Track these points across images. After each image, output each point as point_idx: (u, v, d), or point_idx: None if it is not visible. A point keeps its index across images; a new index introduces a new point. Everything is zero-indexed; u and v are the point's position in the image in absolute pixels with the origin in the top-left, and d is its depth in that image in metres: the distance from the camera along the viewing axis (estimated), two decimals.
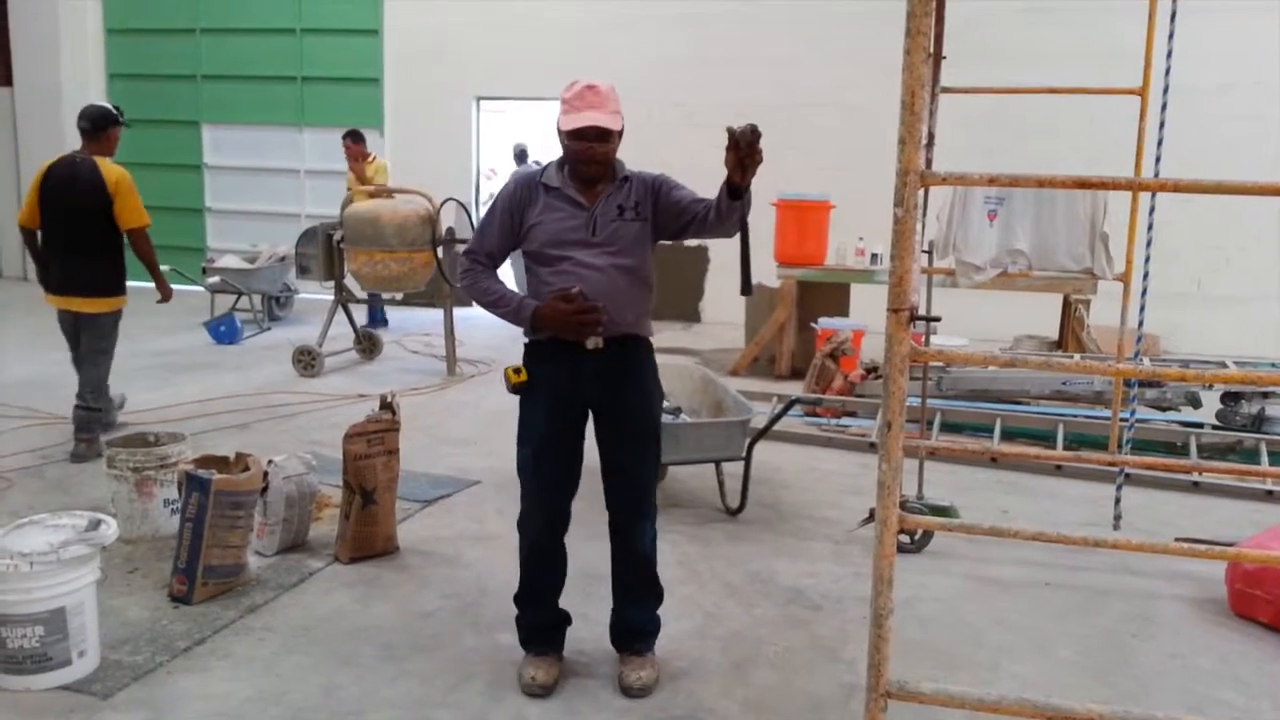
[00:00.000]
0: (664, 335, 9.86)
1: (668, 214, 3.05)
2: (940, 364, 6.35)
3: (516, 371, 3.04)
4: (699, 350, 9.00)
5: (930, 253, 5.04)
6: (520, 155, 11.49)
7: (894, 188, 2.26)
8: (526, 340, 3.09)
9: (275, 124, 12.09)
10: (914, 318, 2.32)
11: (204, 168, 12.46)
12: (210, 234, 12.48)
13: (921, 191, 2.32)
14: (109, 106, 5.73)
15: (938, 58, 3.64)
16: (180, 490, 3.62)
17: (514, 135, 11.91)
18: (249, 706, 2.92)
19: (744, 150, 2.69)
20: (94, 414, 5.32)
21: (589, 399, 3.05)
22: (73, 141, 12.40)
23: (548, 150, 10.53)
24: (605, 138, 2.94)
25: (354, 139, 9.35)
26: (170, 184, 12.54)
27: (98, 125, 5.53)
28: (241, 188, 12.37)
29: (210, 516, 3.50)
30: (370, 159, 9.39)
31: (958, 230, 6.25)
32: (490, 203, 3.16)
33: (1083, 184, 2.29)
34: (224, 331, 8.80)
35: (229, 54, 12.19)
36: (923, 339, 3.93)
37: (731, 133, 2.69)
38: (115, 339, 5.52)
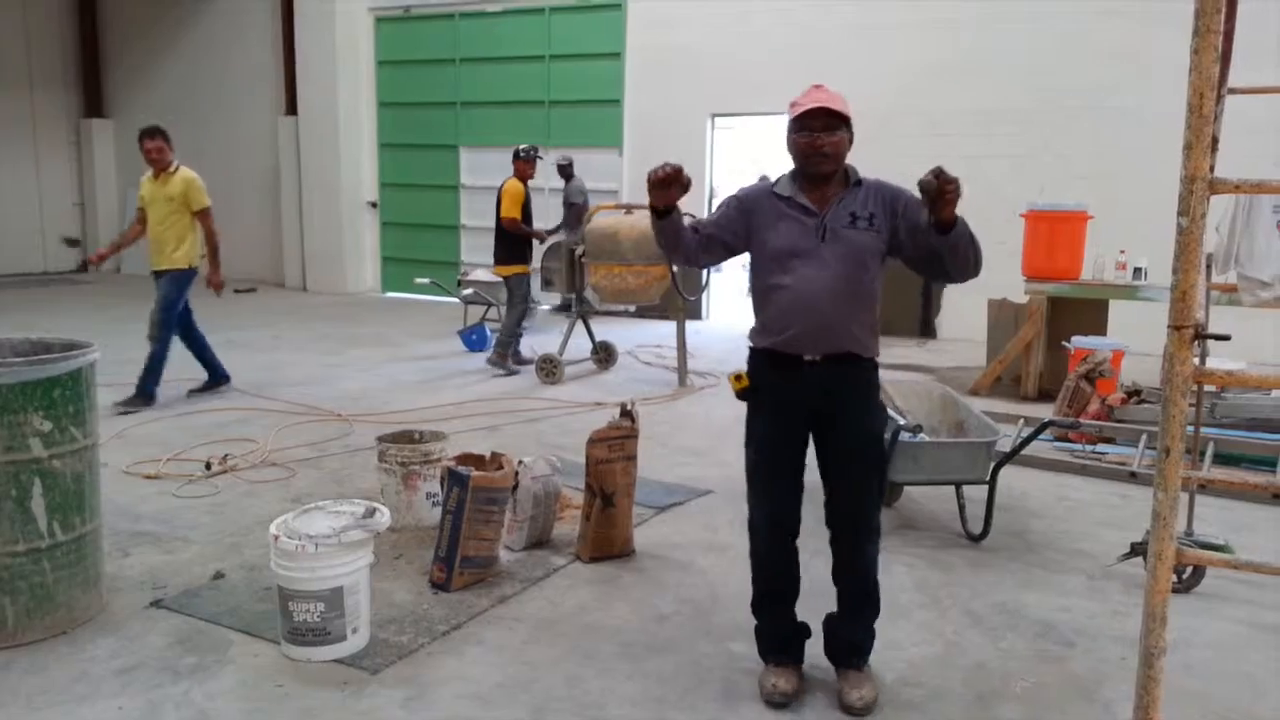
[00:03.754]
0: (896, 351, 9.58)
1: (910, 235, 2.94)
2: (1214, 389, 5.79)
3: (738, 378, 3.09)
4: (935, 368, 8.69)
5: (1209, 267, 4.62)
6: (565, 169, 11.31)
7: (1177, 196, 2.11)
8: (750, 347, 3.12)
9: None
10: (1198, 336, 2.14)
11: (460, 188, 13.38)
12: (464, 250, 13.37)
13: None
14: (527, 147, 8.51)
15: (1227, 56, 3.35)
16: (442, 485, 3.91)
17: (747, 150, 11.99)
18: (500, 692, 3.10)
19: (933, 196, 2.71)
20: (505, 342, 8.34)
21: (811, 410, 3.03)
22: (347, 162, 13.69)
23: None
24: (832, 128, 2.90)
25: (159, 136, 6.81)
26: (431, 203, 13.59)
27: (514, 158, 8.46)
28: (492, 206, 13.15)
29: (468, 510, 3.75)
30: (173, 168, 6.83)
31: (1241, 242, 5.68)
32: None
33: None
34: (475, 340, 9.41)
35: (484, 81, 13.05)
36: (1200, 360, 3.60)
37: (920, 185, 2.73)
38: (519, 294, 8.39)
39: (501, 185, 8.46)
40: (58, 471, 3.38)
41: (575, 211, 11.09)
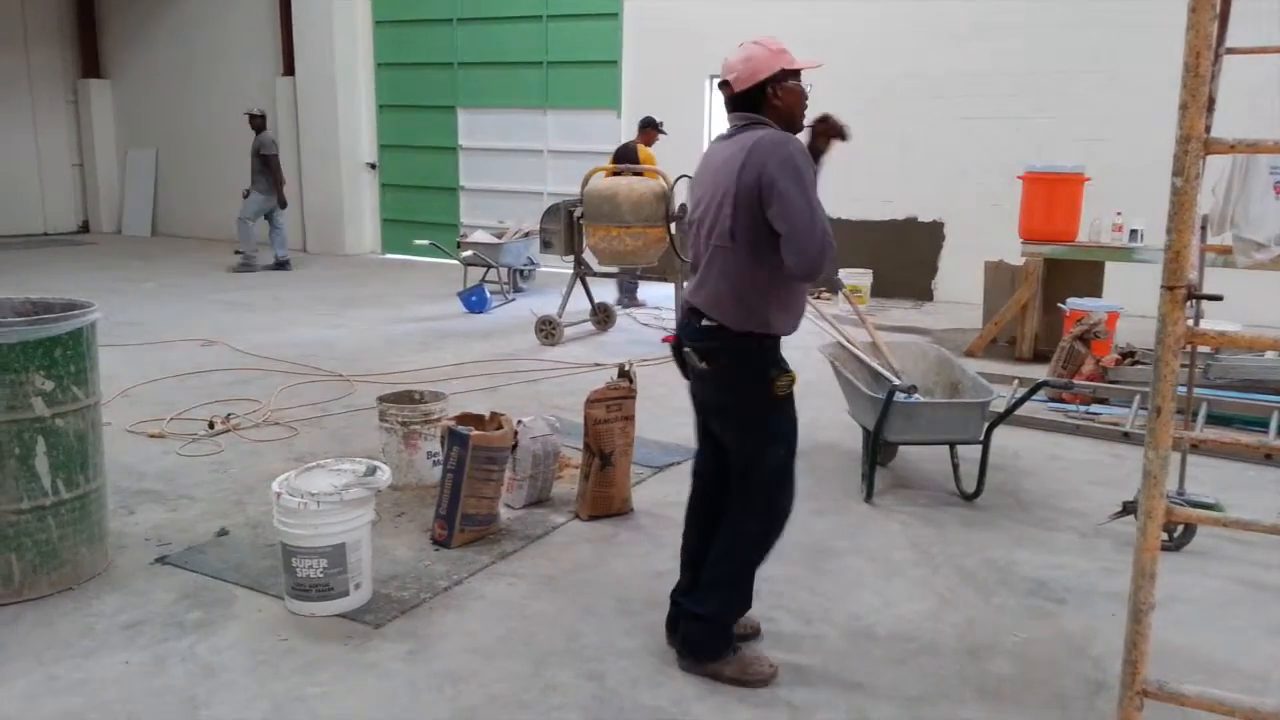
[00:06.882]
0: (893, 313, 9.60)
1: None
2: (1208, 350, 5.82)
3: (787, 372, 2.86)
4: (931, 329, 8.70)
5: (1205, 228, 4.63)
6: (257, 120, 11.92)
7: (1172, 156, 2.12)
8: (771, 335, 2.87)
9: (522, 107, 12.71)
10: (1191, 296, 2.17)
11: (459, 149, 13.29)
12: (463, 211, 13.32)
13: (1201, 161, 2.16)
14: (654, 118, 9.50)
15: (1225, 15, 3.34)
16: (442, 444, 3.95)
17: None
18: (501, 645, 3.16)
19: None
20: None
21: None
22: (345, 123, 13.62)
23: None
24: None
25: None
26: (429, 165, 13.51)
27: (641, 127, 9.49)
28: (491, 168, 13.11)
29: (469, 469, 3.79)
30: None
31: (1237, 204, 5.68)
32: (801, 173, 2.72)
33: None
34: (474, 301, 9.42)
35: (482, 42, 12.89)
36: (1194, 321, 3.63)
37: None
38: None
39: (630, 151, 9.07)
40: (60, 430, 3.41)
41: (269, 162, 11.76)
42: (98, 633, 3.19)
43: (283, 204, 12.13)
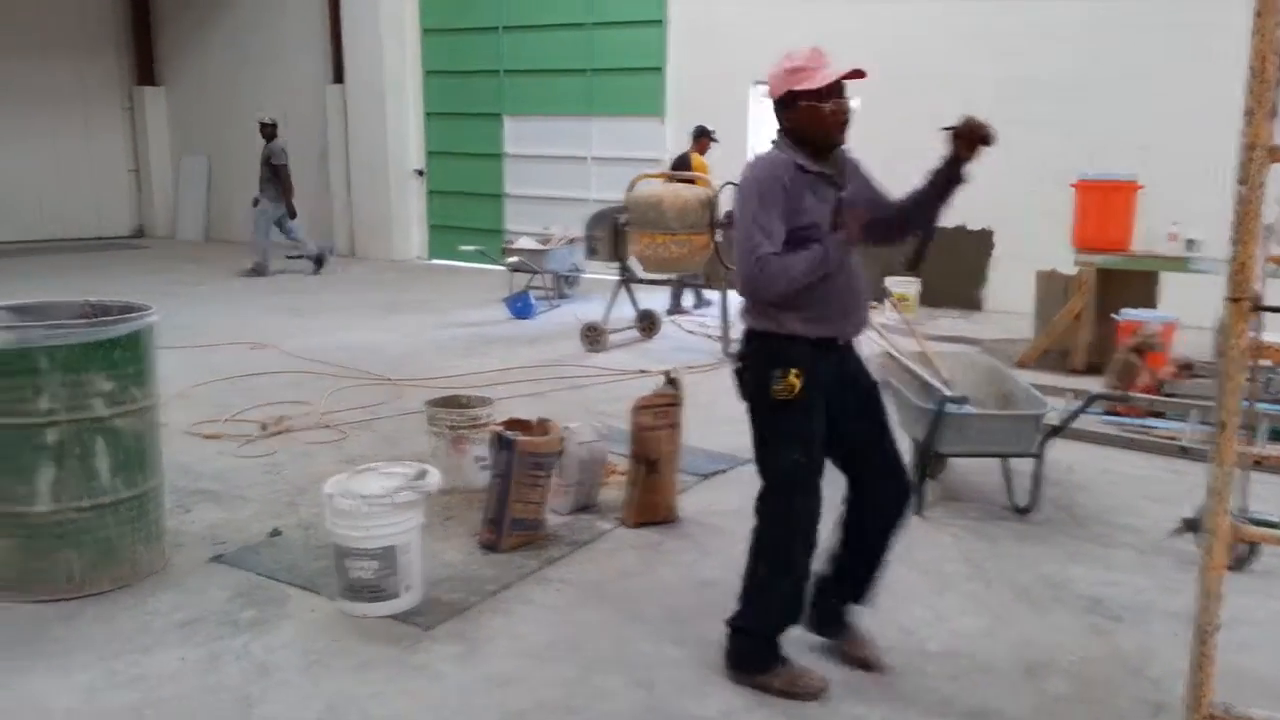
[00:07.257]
0: (942, 323, 9.49)
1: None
2: (1270, 364, 5.68)
3: (794, 375, 2.76)
4: (981, 340, 8.59)
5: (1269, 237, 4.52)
6: (269, 129, 12.02)
7: (1236, 164, 2.08)
8: (785, 335, 2.82)
9: (566, 114, 12.77)
10: (1257, 308, 2.12)
11: (504, 156, 13.40)
12: (508, 218, 13.41)
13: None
14: (706, 126, 9.71)
15: None
16: (490, 449, 3.98)
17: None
18: (550, 651, 3.17)
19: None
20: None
21: (841, 392, 2.94)
22: (394, 130, 13.78)
23: None
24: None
25: None
26: (475, 172, 13.63)
27: (695, 136, 9.72)
28: (536, 174, 13.19)
29: (516, 474, 3.81)
30: None
31: None
32: (752, 195, 2.82)
33: None
34: (520, 307, 9.49)
35: (528, 50, 12.99)
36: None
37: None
38: None
39: (684, 161, 9.45)
40: (120, 430, 3.49)
41: (278, 171, 11.78)
42: (155, 629, 3.26)
43: (292, 214, 12.13)
